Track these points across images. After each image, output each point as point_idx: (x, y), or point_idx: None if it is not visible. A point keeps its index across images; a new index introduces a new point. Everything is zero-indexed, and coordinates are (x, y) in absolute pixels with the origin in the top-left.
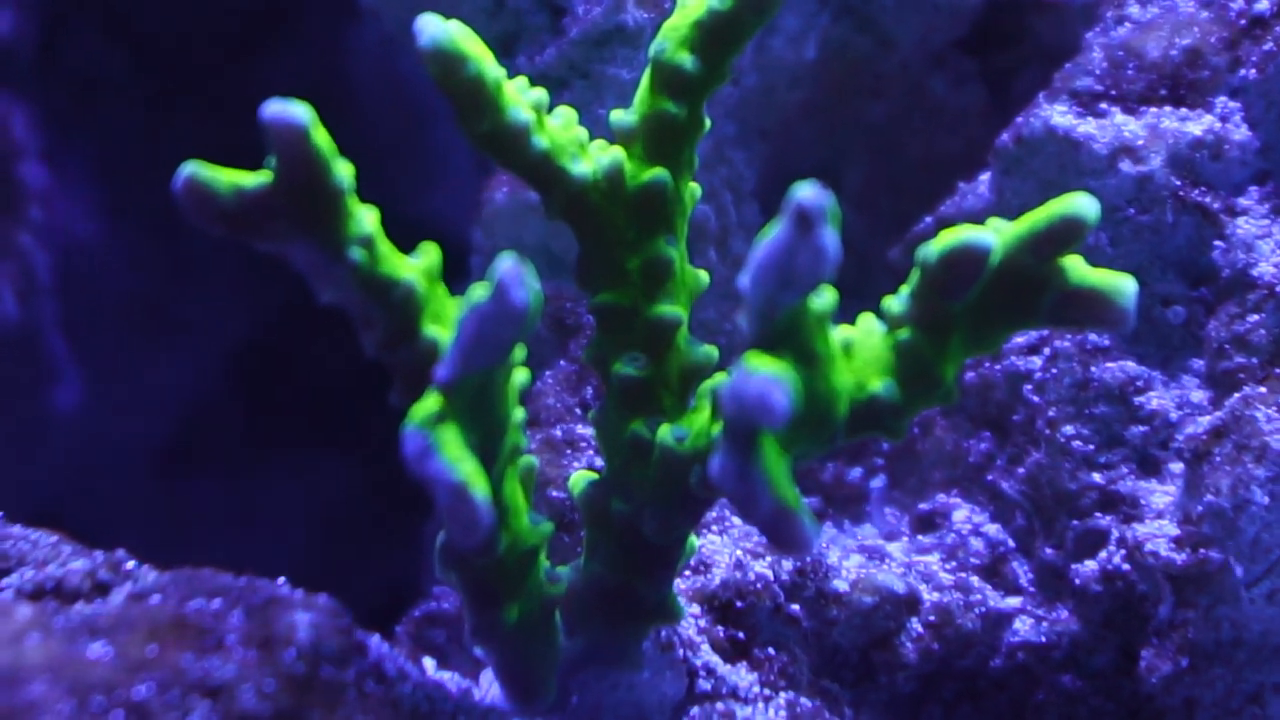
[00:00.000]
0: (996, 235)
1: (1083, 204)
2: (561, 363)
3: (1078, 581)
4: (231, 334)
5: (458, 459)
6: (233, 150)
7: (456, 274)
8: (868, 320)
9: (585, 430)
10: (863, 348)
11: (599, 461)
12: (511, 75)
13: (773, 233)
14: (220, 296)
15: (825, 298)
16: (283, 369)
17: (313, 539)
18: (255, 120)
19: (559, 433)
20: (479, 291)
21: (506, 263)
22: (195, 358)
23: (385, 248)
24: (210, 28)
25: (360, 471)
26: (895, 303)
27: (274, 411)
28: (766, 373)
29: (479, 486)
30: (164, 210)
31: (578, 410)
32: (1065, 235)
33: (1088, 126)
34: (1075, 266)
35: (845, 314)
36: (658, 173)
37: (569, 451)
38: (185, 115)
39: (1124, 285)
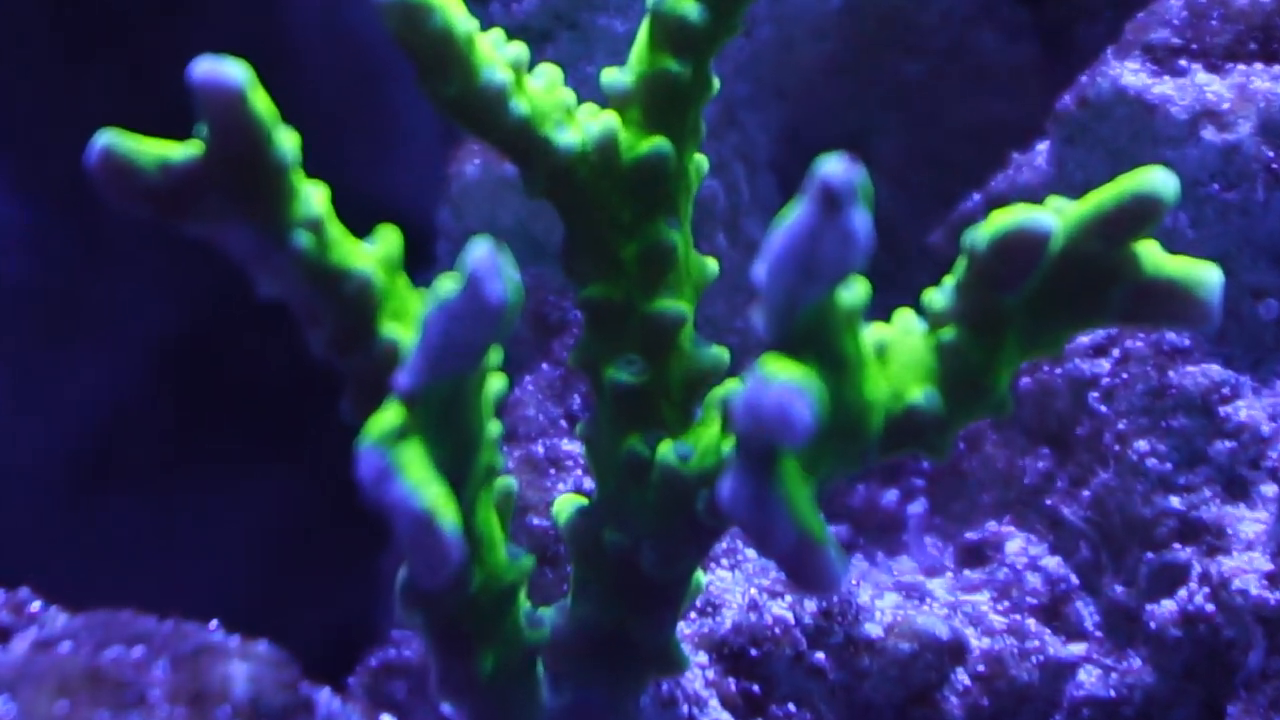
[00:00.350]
0: (1058, 217)
1: (1159, 180)
2: (543, 366)
3: (1153, 625)
4: (157, 327)
5: (422, 483)
6: (159, 114)
7: (420, 261)
8: (905, 317)
9: (572, 446)
10: (900, 350)
11: (588, 483)
12: (485, 27)
13: (793, 215)
14: (143, 284)
15: (855, 292)
16: (216, 368)
17: (251, 567)
18: (185, 80)
19: (541, 449)
20: (447, 285)
21: (480, 250)
22: (114, 355)
23: (336, 232)
24: None
25: (306, 488)
26: (938, 297)
27: (206, 417)
28: (786, 381)
29: (447, 515)
30: (77, 184)
31: (563, 422)
32: (1138, 217)
33: (1164, 87)
34: (1150, 254)
35: (877, 307)
36: (658, 143)
37: (553, 471)
38: (104, 72)
39: (1207, 276)
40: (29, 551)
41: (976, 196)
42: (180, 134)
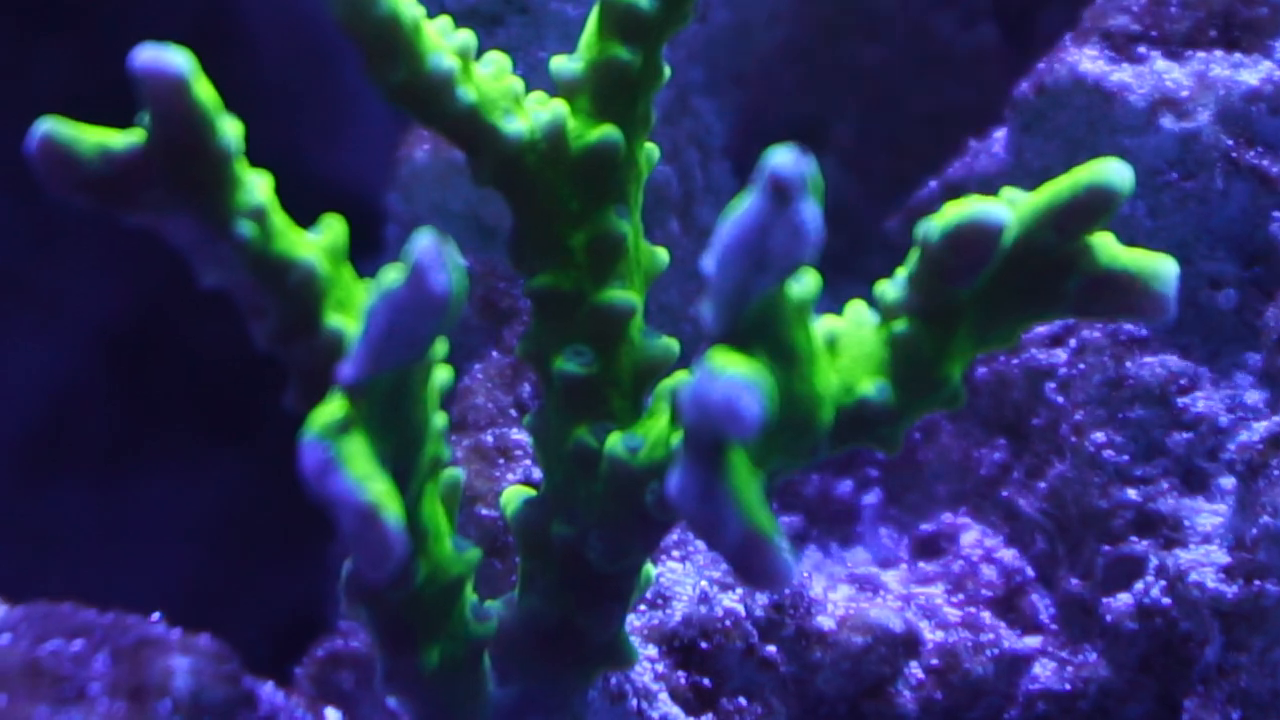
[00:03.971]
0: (1011, 209)
1: (1115, 172)
2: (494, 354)
3: (1109, 618)
4: (105, 310)
5: (365, 476)
6: (107, 95)
7: (369, 246)
8: (858, 309)
9: (521, 435)
10: (851, 342)
11: (537, 473)
12: (436, 10)
13: (742, 207)
14: (92, 266)
15: (806, 283)
16: (166, 352)
17: (197, 555)
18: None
19: (490, 438)
20: (391, 275)
21: (424, 241)
22: (61, 338)
23: (280, 221)
24: None
25: (253, 477)
26: (890, 289)
27: (154, 403)
28: (734, 374)
29: (390, 509)
30: (22, 165)
31: (513, 411)
32: (1093, 209)
33: (1123, 74)
34: (1105, 245)
35: (834, 294)
36: (607, 131)
37: (502, 461)
38: (50, 53)
39: (1163, 268)
40: None
41: (933, 184)
42: (128, 115)
